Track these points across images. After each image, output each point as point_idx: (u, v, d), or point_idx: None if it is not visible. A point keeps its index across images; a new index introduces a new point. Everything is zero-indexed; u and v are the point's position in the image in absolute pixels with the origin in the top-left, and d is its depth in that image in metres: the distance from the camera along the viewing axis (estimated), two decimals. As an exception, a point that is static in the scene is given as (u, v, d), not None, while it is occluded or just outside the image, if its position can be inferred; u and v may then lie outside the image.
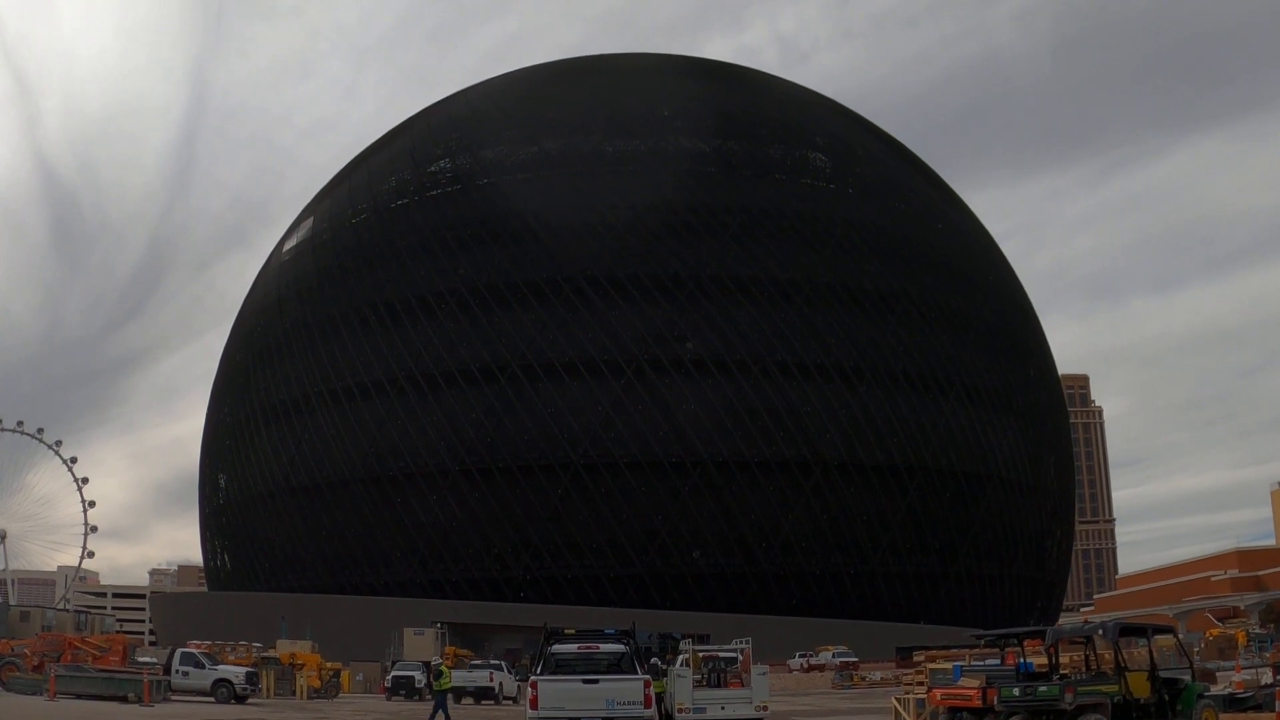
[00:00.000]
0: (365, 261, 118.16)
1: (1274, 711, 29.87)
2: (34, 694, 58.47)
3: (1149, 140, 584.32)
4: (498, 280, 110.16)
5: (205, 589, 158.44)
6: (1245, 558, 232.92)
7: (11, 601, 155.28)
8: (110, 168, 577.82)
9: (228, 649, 79.77)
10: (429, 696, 70.38)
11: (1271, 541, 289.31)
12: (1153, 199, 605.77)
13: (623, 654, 30.75)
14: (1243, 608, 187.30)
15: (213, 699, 60.03)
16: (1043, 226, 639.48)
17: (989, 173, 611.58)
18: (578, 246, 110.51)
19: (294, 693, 70.46)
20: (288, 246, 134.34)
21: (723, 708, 37.69)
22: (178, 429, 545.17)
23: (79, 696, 56.11)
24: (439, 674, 49.69)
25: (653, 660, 44.45)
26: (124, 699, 54.40)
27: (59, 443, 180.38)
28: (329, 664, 77.65)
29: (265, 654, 78.90)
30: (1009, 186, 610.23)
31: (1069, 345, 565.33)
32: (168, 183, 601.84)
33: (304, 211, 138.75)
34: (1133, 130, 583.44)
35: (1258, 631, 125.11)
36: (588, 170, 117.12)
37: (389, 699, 69.34)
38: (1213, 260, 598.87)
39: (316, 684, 71.47)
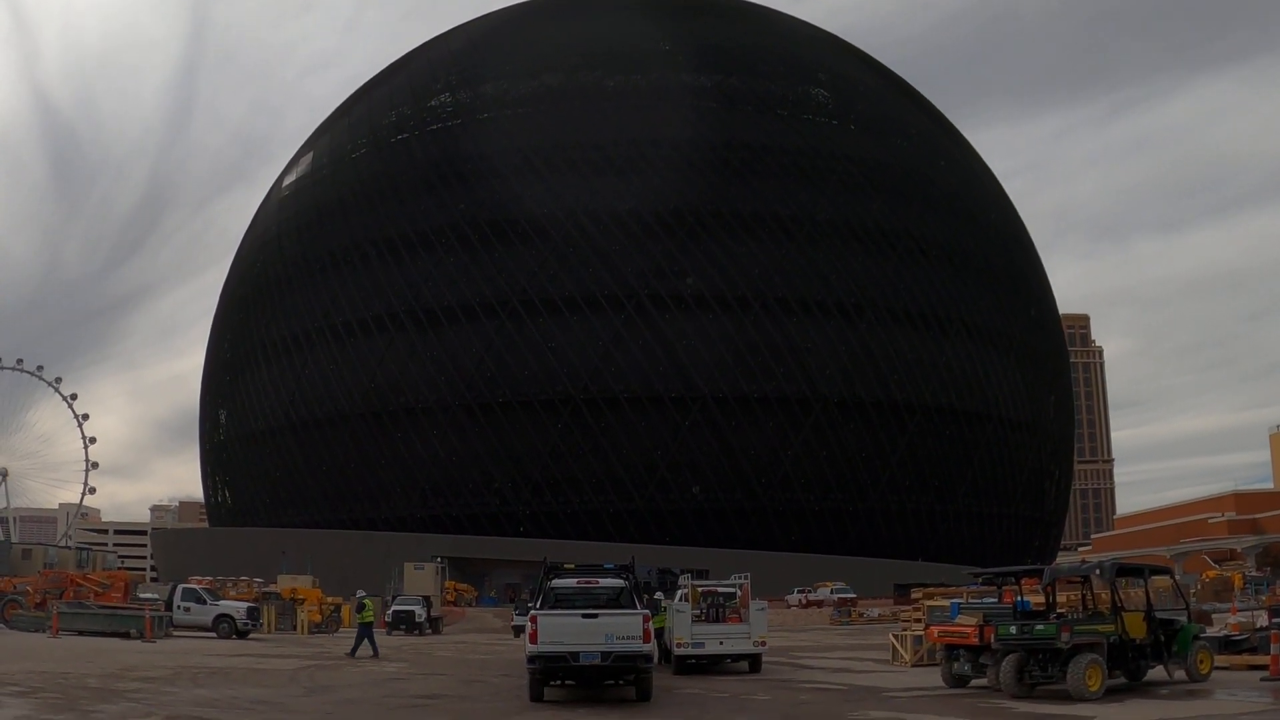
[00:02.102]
0: (365, 197, 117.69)
1: (1269, 654, 29.76)
2: (37, 631, 58.43)
3: (1158, 81, 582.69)
4: (498, 215, 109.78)
5: (206, 525, 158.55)
6: (1243, 501, 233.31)
7: (13, 539, 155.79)
8: (110, 102, 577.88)
9: (229, 584, 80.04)
10: (429, 630, 70.83)
11: (1269, 485, 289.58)
12: (1161, 140, 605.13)
13: (622, 589, 30.56)
14: (1239, 550, 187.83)
15: (214, 634, 60.04)
16: (1049, 165, 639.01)
17: (995, 110, 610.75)
18: (578, 181, 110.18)
19: (295, 627, 70.56)
20: (287, 182, 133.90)
21: (721, 643, 37.54)
22: (178, 365, 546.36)
23: (81, 633, 56.14)
24: (361, 606, 49.81)
25: (656, 595, 44.45)
26: (126, 635, 54.41)
27: (59, 380, 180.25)
28: (329, 599, 77.79)
29: (266, 589, 79.09)
30: (1015, 125, 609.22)
31: (1072, 285, 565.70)
32: (167, 118, 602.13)
33: (303, 147, 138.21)
34: (1142, 70, 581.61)
35: (1254, 574, 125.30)
36: (588, 105, 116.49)
37: (389, 633, 69.09)
38: (1220, 203, 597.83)
39: (317, 618, 71.57)
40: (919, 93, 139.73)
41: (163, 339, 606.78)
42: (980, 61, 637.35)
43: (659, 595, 45.07)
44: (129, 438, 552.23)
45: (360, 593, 62.87)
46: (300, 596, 74.69)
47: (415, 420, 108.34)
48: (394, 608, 72.61)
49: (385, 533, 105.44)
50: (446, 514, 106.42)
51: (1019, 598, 33.14)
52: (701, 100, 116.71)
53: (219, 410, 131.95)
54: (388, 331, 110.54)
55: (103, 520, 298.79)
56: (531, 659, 27.29)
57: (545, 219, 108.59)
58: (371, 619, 48.83)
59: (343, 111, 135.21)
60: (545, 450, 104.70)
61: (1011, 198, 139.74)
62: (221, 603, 64.28)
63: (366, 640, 46.57)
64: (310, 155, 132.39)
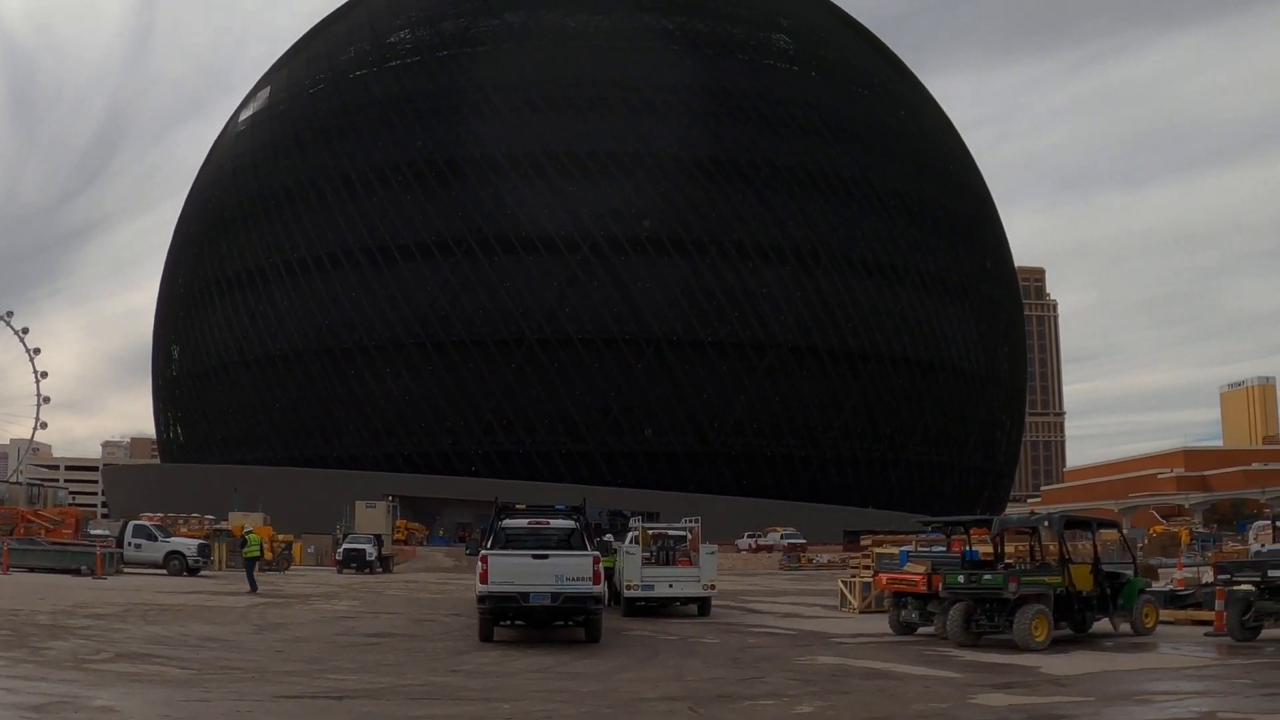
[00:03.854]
0: (322, 133, 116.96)
1: (1213, 610, 30.00)
2: (-13, 567, 58.25)
3: (1127, 34, 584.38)
4: (456, 154, 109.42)
5: (158, 461, 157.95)
6: (1192, 457, 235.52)
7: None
8: (68, 30, 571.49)
9: (180, 521, 79.84)
10: (380, 569, 70.86)
11: (1219, 443, 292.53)
12: (1128, 95, 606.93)
13: (573, 530, 30.61)
14: (1187, 506, 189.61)
15: (165, 571, 59.95)
16: (1014, 116, 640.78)
17: (963, 59, 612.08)
18: (536, 121, 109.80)
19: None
20: (244, 116, 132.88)
21: (671, 585, 37.62)
22: (132, 300, 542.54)
23: (32, 570, 55.73)
24: (244, 542, 49.87)
25: (606, 537, 44.53)
26: (77, 571, 54.18)
27: (10, 314, 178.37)
28: (281, 536, 77.63)
29: (218, 526, 78.91)
30: (983, 74, 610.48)
31: (1033, 237, 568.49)
32: (127, 47, 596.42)
33: (261, 81, 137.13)
34: (1112, 24, 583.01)
35: (1201, 530, 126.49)
36: (549, 45, 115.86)
37: (340, 571, 69.15)
38: (1184, 160, 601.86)
39: (268, 556, 71.35)
40: (882, 42, 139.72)
41: (117, 272, 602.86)
42: (949, 10, 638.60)
43: (608, 537, 45.17)
44: (81, 372, 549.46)
45: (247, 527, 62.97)
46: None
47: (369, 358, 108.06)
48: (345, 546, 72.49)
49: (337, 471, 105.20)
50: (399, 453, 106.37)
51: (967, 547, 33.29)
52: (664, 43, 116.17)
53: (172, 346, 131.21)
54: (343, 268, 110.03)
55: (54, 456, 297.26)
56: (482, 599, 27.34)
57: (503, 158, 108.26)
58: (256, 554, 48.98)
59: (301, 46, 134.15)
60: (499, 390, 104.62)
61: (976, 148, 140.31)
62: (172, 540, 64.11)
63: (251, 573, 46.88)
64: (267, 90, 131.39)
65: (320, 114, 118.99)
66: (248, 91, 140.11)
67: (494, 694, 18.40)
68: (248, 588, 46.83)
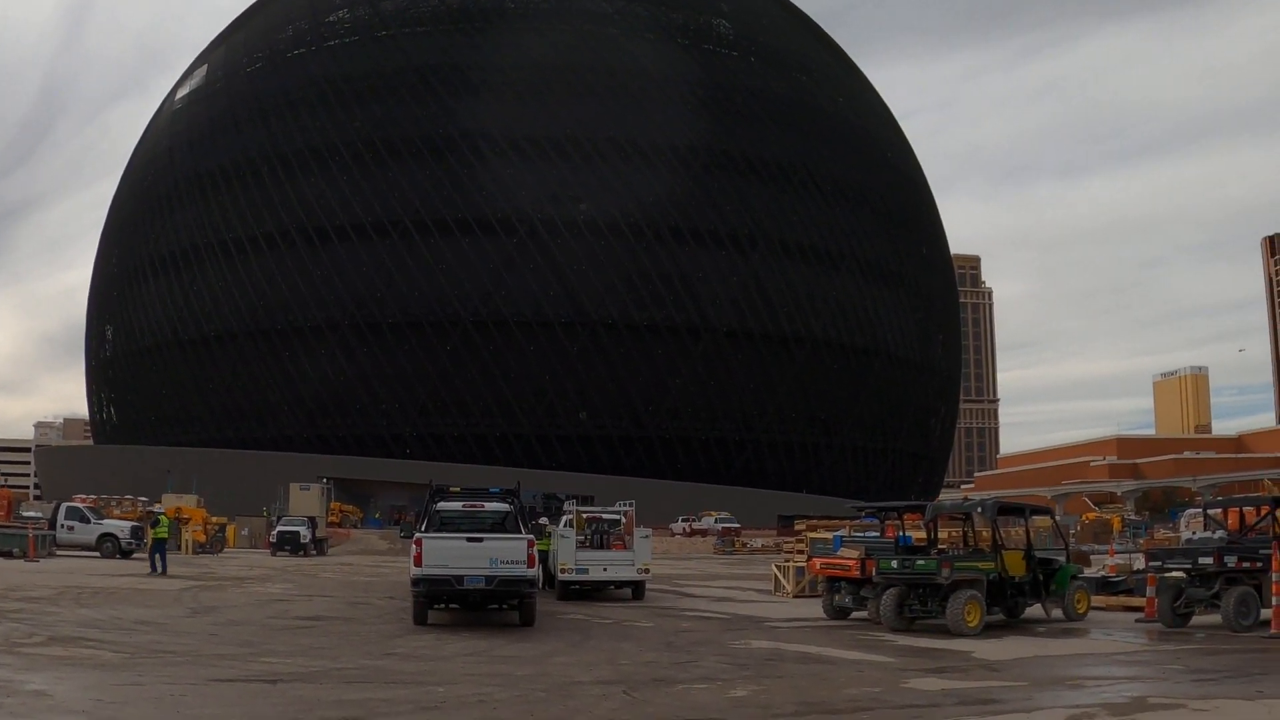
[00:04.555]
0: (259, 112, 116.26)
1: (1145, 596, 30.27)
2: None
3: (1068, 25, 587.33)
4: (393, 134, 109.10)
5: (91, 443, 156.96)
6: (1125, 445, 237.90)
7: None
8: (2, 5, 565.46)
9: (113, 503, 79.27)
10: (314, 552, 70.66)
11: (1152, 431, 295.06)
12: (1067, 86, 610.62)
13: (507, 513, 30.63)
14: (1119, 494, 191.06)
15: (98, 554, 59.57)
16: (954, 106, 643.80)
17: (904, 48, 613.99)
18: (475, 103, 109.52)
19: (179, 547, 69.97)
20: (180, 95, 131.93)
21: (605, 569, 37.64)
22: (66, 279, 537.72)
23: (-37, 553, 55.41)
24: (155, 522, 49.73)
25: (539, 520, 44.58)
26: (8, 554, 53.61)
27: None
28: (214, 519, 77.26)
29: (150, 508, 78.45)
30: (924, 63, 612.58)
31: (971, 225, 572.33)
32: (63, 23, 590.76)
33: (198, 59, 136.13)
34: (1052, 15, 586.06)
35: (1133, 518, 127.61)
36: (488, 26, 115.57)
37: (274, 554, 68.88)
38: (1122, 151, 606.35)
39: (202, 539, 70.93)
40: (822, 29, 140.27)
41: (51, 251, 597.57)
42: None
43: (543, 520, 45.22)
44: (14, 353, 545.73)
45: (157, 506, 62.71)
46: (185, 516, 74.11)
47: (304, 339, 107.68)
48: (279, 528, 72.28)
49: (271, 452, 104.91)
50: (333, 435, 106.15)
51: (901, 533, 33.46)
52: (603, 26, 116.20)
53: (106, 326, 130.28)
54: (278, 249, 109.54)
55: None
56: (416, 582, 27.29)
57: (440, 139, 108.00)
58: (165, 535, 48.82)
59: (239, 25, 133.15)
60: (434, 372, 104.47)
61: (916, 136, 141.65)
62: (105, 522, 63.68)
63: (158, 555, 46.65)
64: (204, 68, 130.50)
65: (257, 93, 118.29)
66: (185, 69, 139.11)
67: (428, 677, 18.45)
68: (148, 569, 46.59)
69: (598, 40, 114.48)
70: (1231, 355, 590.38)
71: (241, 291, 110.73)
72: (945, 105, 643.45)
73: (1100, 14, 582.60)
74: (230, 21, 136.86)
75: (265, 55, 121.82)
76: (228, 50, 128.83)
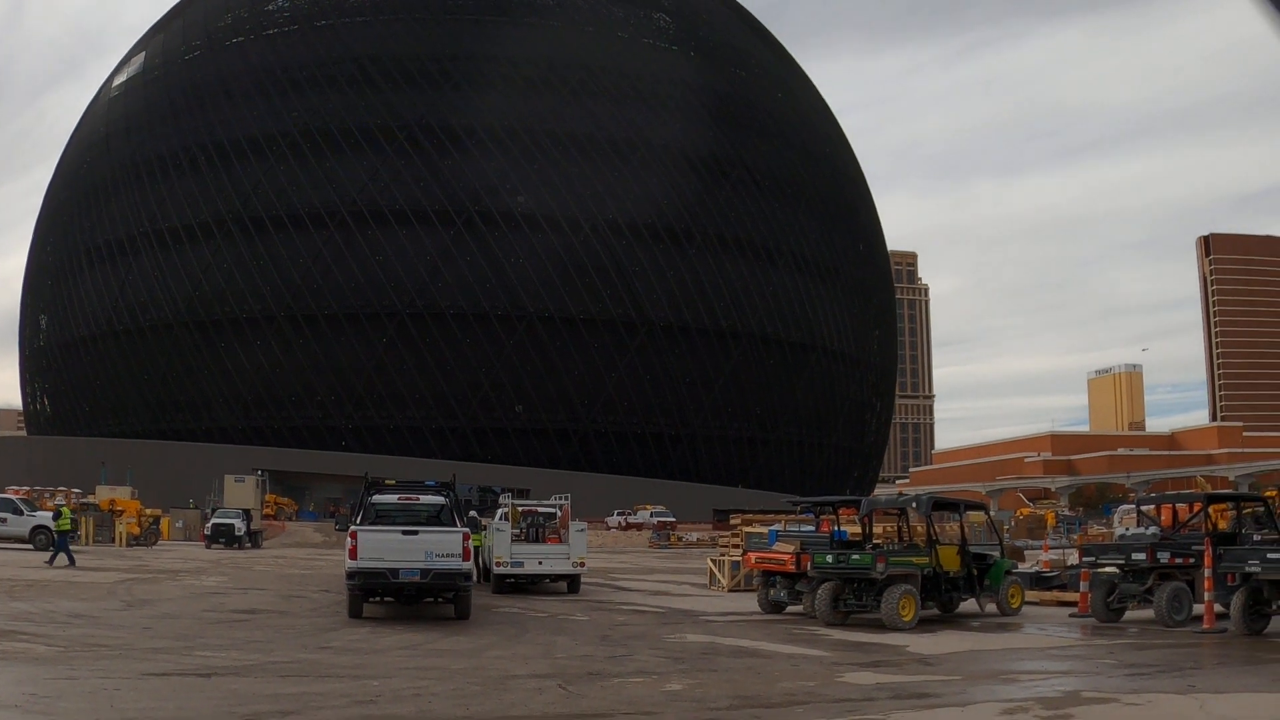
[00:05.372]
0: (197, 100, 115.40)
1: (1078, 591, 30.59)
2: None
3: (1009, 24, 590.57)
4: (331, 125, 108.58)
5: (24, 433, 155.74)
6: (1059, 442, 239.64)
7: None
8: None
9: (46, 495, 78.76)
10: (249, 544, 70.42)
11: (1086, 428, 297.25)
12: (1007, 84, 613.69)
13: (442, 506, 30.67)
14: (1053, 490, 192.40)
15: (31, 546, 59.18)
16: (894, 102, 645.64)
17: (844, 44, 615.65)
18: (414, 94, 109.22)
19: (113, 540, 69.61)
20: (118, 82, 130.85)
21: (540, 563, 37.68)
22: (0, 267, 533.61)
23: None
24: (58, 514, 49.60)
25: (470, 513, 44.58)
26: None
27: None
28: (149, 511, 76.80)
29: (84, 500, 77.95)
30: (863, 59, 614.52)
31: (907, 223, 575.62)
32: (2, 5, 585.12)
33: (136, 46, 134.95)
34: (993, 12, 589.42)
35: (1067, 513, 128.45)
36: (427, 17, 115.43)
37: (208, 546, 68.67)
38: (1060, 150, 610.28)
39: (136, 531, 70.51)
40: (762, 24, 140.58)
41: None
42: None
43: (472, 513, 45.24)
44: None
45: (59, 500, 62.40)
46: (119, 508, 73.71)
47: (240, 330, 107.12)
48: (213, 521, 72.08)
49: (206, 444, 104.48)
50: (269, 426, 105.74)
51: (836, 527, 33.67)
52: (543, 19, 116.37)
53: (40, 315, 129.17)
54: (215, 239, 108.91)
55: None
56: (351, 575, 27.28)
57: (378, 129, 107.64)
58: (68, 527, 48.63)
59: (178, 11, 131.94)
60: (370, 364, 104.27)
61: (855, 132, 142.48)
62: (38, 514, 63.20)
63: (63, 550, 46.48)
64: (142, 55, 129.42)
65: (195, 81, 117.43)
66: (123, 56, 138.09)
67: (363, 671, 18.50)
68: (51, 558, 46.39)
69: (537, 33, 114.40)
70: (1164, 354, 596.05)
71: (177, 282, 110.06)
72: (884, 102, 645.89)
73: (1041, 13, 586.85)
74: (169, 8, 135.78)
75: (204, 43, 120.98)
76: (166, 37, 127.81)
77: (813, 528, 37.50)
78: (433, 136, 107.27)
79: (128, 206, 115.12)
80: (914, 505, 32.23)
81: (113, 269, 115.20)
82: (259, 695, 15.84)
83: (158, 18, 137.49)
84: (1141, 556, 28.18)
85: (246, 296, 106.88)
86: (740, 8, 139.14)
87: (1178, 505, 35.33)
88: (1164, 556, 28.02)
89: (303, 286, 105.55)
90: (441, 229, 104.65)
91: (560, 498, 41.96)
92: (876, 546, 30.48)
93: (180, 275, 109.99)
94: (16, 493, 70.82)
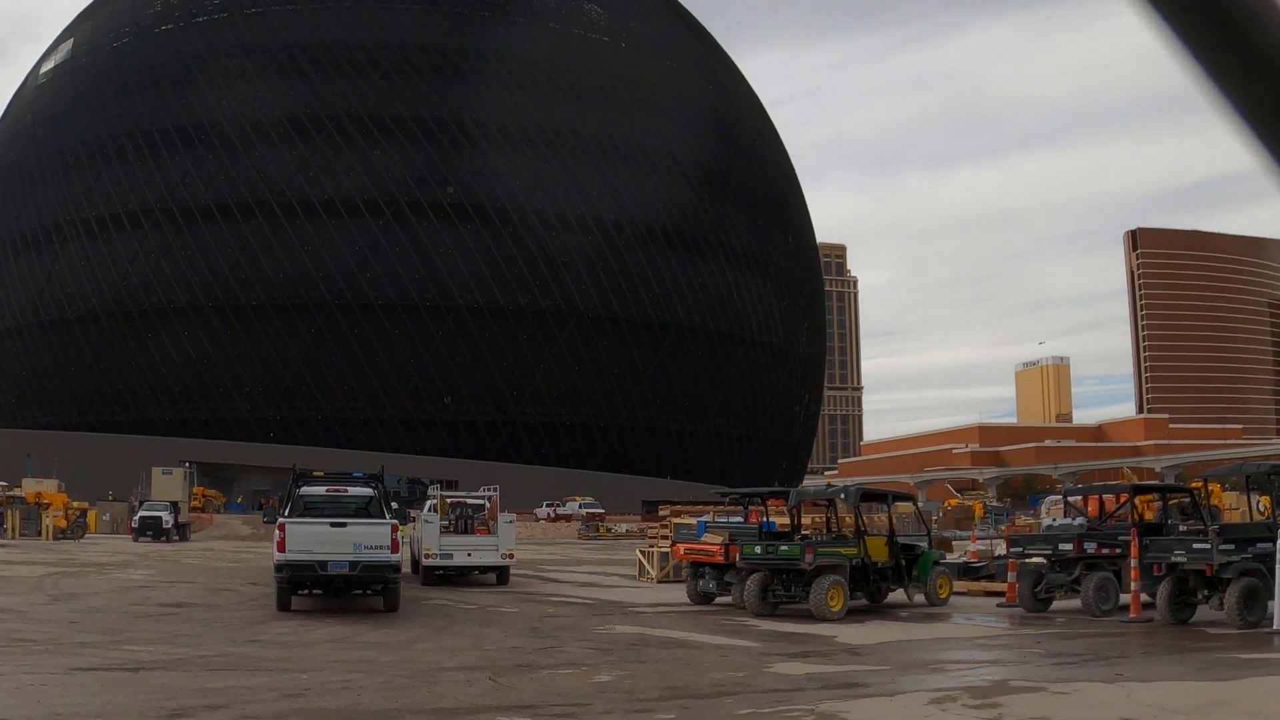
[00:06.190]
0: (124, 88, 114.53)
1: (1006, 582, 30.89)
2: None
3: (940, 18, 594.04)
4: (260, 114, 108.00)
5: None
6: (986, 433, 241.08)
7: None
8: None
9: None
10: (176, 537, 70.07)
11: (1013, 420, 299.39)
12: (938, 78, 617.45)
13: (371, 498, 30.68)
14: (981, 481, 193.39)
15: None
16: (825, 95, 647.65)
17: (776, 36, 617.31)
18: (343, 83, 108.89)
19: (40, 533, 69.12)
20: (45, 69, 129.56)
21: (469, 554, 37.65)
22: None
23: None
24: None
25: (393, 505, 44.63)
26: None
27: None
28: (75, 503, 76.31)
29: (10, 493, 77.33)
30: (795, 51, 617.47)
31: (838, 214, 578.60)
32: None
33: (63, 33, 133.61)
34: (927, 6, 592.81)
35: (994, 504, 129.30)
36: (357, 6, 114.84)
37: (136, 539, 68.30)
38: (991, 144, 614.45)
39: (62, 524, 70.06)
40: (693, 16, 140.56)
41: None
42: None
43: (394, 504, 45.30)
44: None
45: (18, 492, 62.07)
46: (45, 501, 73.19)
47: (167, 321, 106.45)
48: (141, 513, 71.66)
49: (134, 436, 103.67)
50: (196, 418, 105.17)
51: (765, 518, 33.92)
52: (473, 8, 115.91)
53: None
54: (142, 229, 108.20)
55: None
56: (279, 567, 27.23)
57: (307, 119, 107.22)
58: None
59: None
60: (298, 355, 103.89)
61: (785, 125, 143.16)
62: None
63: None
64: (70, 42, 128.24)
65: (123, 69, 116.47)
66: (50, 43, 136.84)
67: (291, 664, 18.54)
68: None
69: (467, 22, 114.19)
70: (1091, 347, 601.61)
71: (104, 272, 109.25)
72: (814, 94, 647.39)
73: (972, 9, 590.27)
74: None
75: (132, 31, 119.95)
76: (94, 25, 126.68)
77: (741, 519, 37.72)
78: (361, 126, 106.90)
79: (54, 195, 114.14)
80: (842, 496, 32.53)
81: (39, 258, 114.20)
82: (187, 689, 15.85)
83: (86, 5, 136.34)
84: (1068, 547, 28.52)
85: (174, 287, 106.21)
86: (674, 1, 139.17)
87: (1104, 496, 35.66)
88: (1090, 547, 28.36)
89: (231, 277, 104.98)
90: (370, 219, 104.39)
91: (489, 489, 42.07)
92: (805, 537, 30.68)
93: (107, 265, 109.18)
94: (-59, 486, 70.33)
